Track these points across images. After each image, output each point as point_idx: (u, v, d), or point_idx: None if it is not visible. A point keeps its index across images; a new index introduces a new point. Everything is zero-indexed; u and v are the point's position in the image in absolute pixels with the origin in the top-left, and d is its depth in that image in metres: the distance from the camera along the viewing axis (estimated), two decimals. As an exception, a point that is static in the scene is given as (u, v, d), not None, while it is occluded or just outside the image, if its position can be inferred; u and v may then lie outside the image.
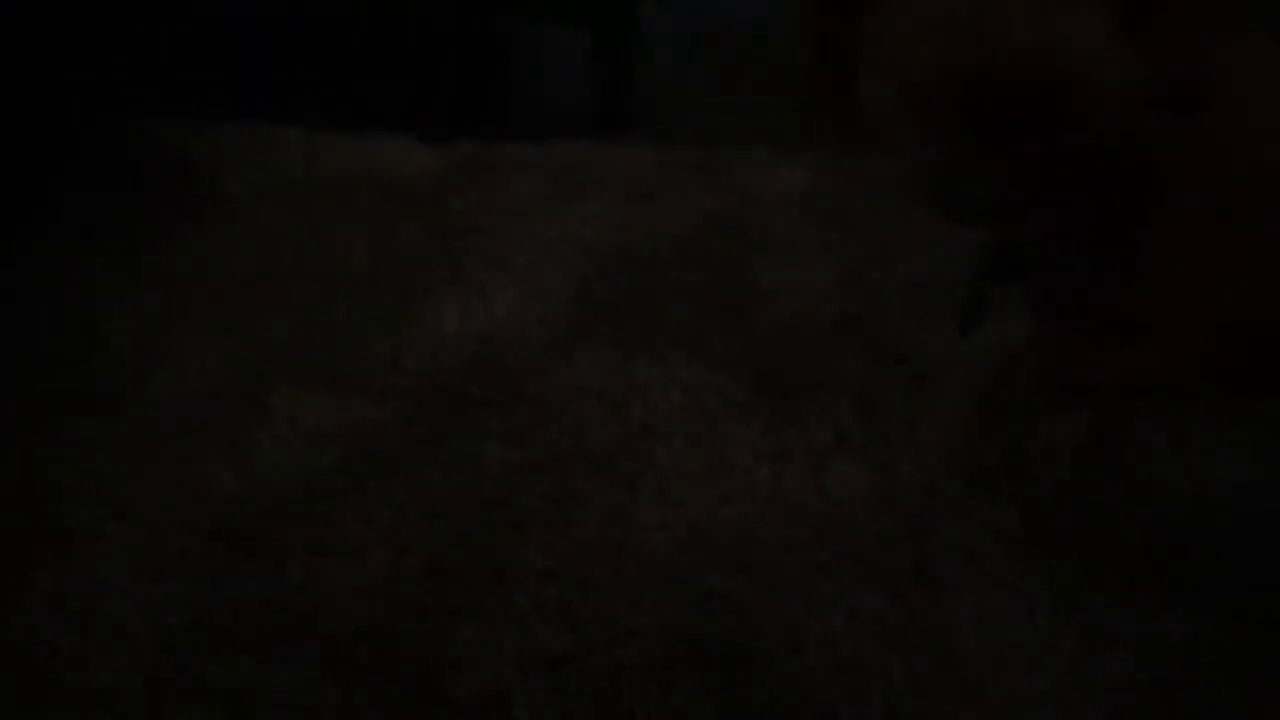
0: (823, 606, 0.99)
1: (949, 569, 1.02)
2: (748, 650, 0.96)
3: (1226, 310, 0.84)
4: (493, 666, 0.95)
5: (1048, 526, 1.06)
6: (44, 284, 1.35)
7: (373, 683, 0.94)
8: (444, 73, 1.77)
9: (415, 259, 1.43)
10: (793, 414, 1.16)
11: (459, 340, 1.29)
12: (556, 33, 2.00)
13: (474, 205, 1.53)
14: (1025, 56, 0.76)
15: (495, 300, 1.36)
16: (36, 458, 1.12)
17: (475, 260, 1.43)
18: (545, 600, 1.00)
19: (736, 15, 2.41)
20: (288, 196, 1.52)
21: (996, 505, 1.07)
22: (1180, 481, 1.09)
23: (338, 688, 0.94)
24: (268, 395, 1.20)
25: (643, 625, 0.98)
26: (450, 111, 1.73)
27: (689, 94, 2.13)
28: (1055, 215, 0.84)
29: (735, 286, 1.39)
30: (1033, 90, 0.76)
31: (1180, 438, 1.12)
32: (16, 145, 1.56)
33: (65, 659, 0.96)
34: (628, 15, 1.91)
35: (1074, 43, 0.77)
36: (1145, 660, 0.95)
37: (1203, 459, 1.11)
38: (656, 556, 1.03)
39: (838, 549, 1.04)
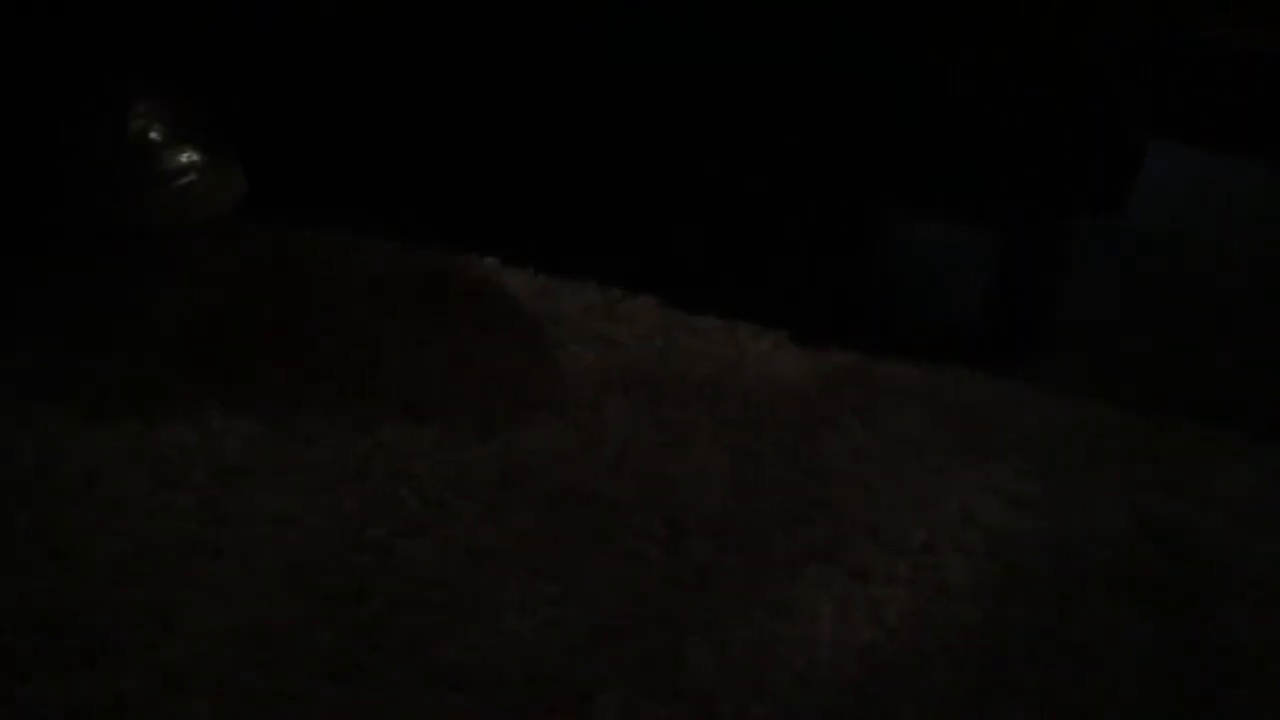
0: None
1: None
2: None
3: None
4: None
5: None
6: (371, 474, 1.12)
7: None
8: (824, 265, 1.50)
9: (781, 510, 1.14)
10: None
11: (836, 656, 1.00)
12: (954, 228, 1.71)
13: (853, 443, 1.24)
14: None
15: (883, 598, 1.06)
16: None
17: (855, 527, 1.13)
18: None
19: (1151, 220, 2.05)
20: (637, 389, 1.26)
21: None
22: None
23: None
24: (593, 695, 0.92)
25: None
26: (828, 310, 1.44)
27: (1100, 317, 1.78)
28: None
29: (1203, 648, 1.05)
30: None
31: None
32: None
33: None
34: (1055, 215, 1.57)
35: None
36: None
37: None
38: None
39: None
